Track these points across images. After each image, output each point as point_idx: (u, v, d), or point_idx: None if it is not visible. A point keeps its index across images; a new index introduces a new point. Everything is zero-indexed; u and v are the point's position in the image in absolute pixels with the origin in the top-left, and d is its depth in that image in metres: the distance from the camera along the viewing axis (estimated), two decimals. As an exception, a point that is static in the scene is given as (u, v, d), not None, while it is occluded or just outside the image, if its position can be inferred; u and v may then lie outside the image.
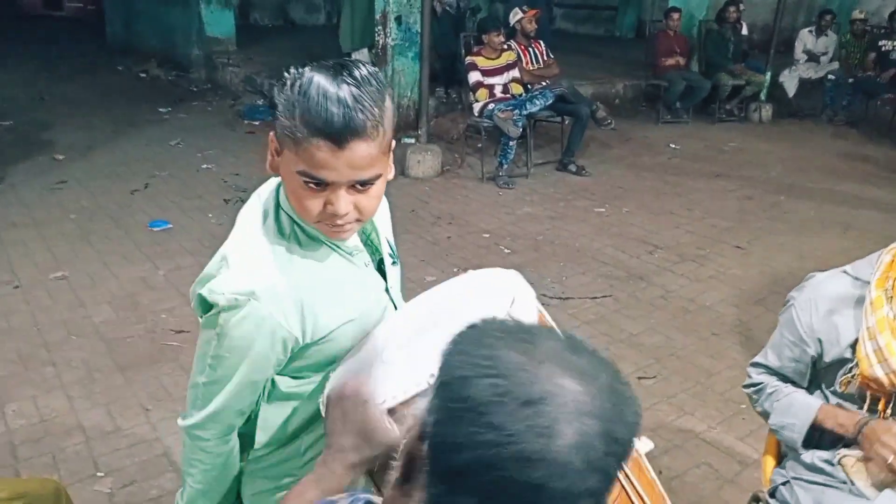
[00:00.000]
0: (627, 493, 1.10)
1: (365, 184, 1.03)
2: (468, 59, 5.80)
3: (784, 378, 1.70)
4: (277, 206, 1.13)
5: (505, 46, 5.85)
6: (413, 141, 6.10)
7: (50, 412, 2.71)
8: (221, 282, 1.07)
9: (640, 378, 3.11)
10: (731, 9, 7.82)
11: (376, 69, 1.04)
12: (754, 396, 1.75)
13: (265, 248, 1.10)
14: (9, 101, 7.38)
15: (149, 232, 4.45)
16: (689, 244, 4.64)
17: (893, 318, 1.48)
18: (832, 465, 1.59)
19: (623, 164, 6.37)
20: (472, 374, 0.60)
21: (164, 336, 3.27)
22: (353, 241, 1.18)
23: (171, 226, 4.54)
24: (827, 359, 1.59)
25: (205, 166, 5.73)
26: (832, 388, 1.60)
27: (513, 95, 5.79)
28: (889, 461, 1.45)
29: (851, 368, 1.54)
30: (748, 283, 4.09)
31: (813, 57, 8.41)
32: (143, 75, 9.26)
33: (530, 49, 6.15)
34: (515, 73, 5.86)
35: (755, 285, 4.07)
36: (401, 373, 1.01)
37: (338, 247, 1.15)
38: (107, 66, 9.64)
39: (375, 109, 0.98)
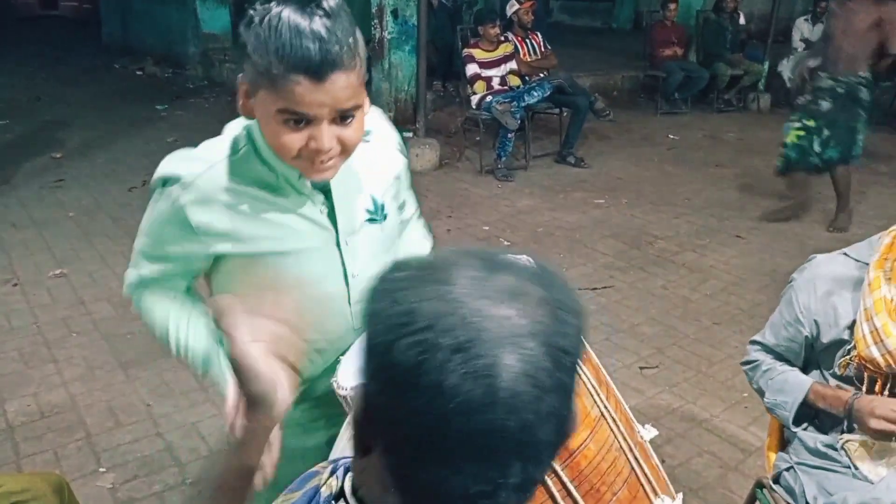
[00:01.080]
0: (637, 476, 1.10)
1: (346, 116, 1.02)
2: (465, 51, 5.78)
3: (780, 357, 1.72)
4: (246, 131, 1.14)
5: (502, 38, 5.83)
6: (411, 135, 6.08)
7: (51, 409, 2.71)
8: (160, 165, 1.15)
9: (642, 368, 3.11)
10: (729, -2, 7.79)
11: (343, 2, 1.01)
12: (750, 373, 1.77)
13: (210, 149, 1.14)
14: (6, 102, 7.37)
15: (148, 229, 4.44)
16: (689, 234, 4.63)
17: (891, 300, 1.47)
18: (835, 449, 1.59)
19: (622, 155, 6.36)
20: (393, 336, 0.54)
21: (164, 332, 3.26)
22: (305, 185, 1.14)
23: (170, 223, 4.54)
24: (825, 340, 1.59)
25: (203, 163, 5.71)
26: (831, 371, 1.60)
27: (510, 87, 5.77)
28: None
29: (849, 350, 1.54)
30: (749, 272, 4.09)
31: (811, 45, 8.38)
32: (139, 73, 9.24)
33: (527, 41, 6.13)
34: (513, 64, 5.84)
35: (756, 274, 4.06)
36: None
37: (291, 184, 1.12)
38: (103, 64, 9.62)
39: (350, 39, 0.97)
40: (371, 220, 1.22)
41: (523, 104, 5.52)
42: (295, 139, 1.01)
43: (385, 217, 1.24)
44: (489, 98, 5.61)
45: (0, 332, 3.23)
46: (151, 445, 2.54)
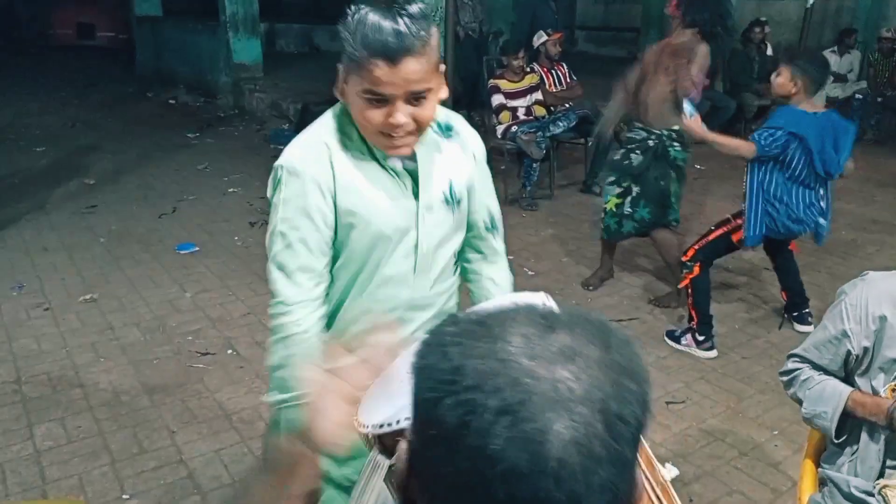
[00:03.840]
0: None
1: (419, 97, 1.21)
2: (491, 82, 5.83)
3: (819, 368, 1.69)
4: (342, 113, 1.33)
5: (528, 69, 5.87)
6: (436, 163, 6.12)
7: (77, 434, 2.73)
8: (283, 156, 1.33)
9: (668, 402, 3.06)
10: (757, 29, 7.79)
11: (423, 5, 1.21)
12: (787, 383, 1.75)
13: (317, 130, 1.34)
14: (42, 129, 7.58)
15: (176, 255, 4.50)
16: (716, 266, 4.56)
17: None
18: (872, 495, 1.54)
19: (648, 185, 6.32)
20: (437, 394, 0.52)
21: (190, 358, 3.29)
22: (397, 165, 1.34)
23: (197, 249, 4.59)
24: (874, 360, 1.55)
25: (231, 190, 5.80)
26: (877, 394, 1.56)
27: (536, 118, 5.79)
28: None
29: None
30: (779, 304, 4.01)
31: (839, 76, 8.32)
32: (171, 102, 9.46)
33: (553, 71, 6.16)
34: (538, 95, 5.87)
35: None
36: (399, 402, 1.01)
37: (382, 163, 1.32)
38: (137, 93, 9.87)
39: (422, 32, 1.17)
40: (446, 202, 1.39)
41: (548, 134, 5.54)
42: (376, 115, 1.21)
43: (458, 205, 1.41)
44: (514, 128, 5.63)
45: (30, 355, 3.28)
46: (175, 473, 2.54)
